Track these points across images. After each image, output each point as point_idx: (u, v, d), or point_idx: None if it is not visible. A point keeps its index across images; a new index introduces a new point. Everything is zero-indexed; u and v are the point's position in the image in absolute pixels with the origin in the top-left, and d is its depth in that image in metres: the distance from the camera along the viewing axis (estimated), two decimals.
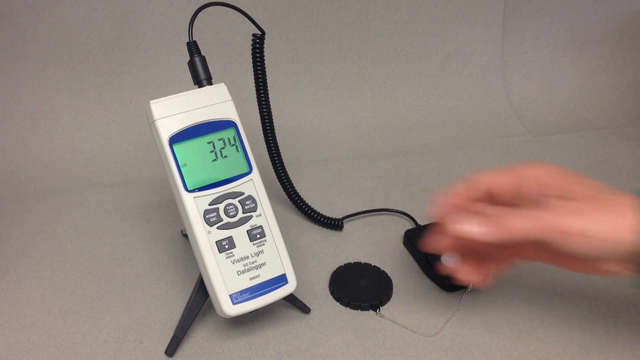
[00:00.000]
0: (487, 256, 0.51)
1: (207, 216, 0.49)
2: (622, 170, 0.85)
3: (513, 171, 0.48)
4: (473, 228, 0.45)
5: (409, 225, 0.71)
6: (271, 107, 0.63)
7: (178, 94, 0.50)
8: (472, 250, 0.50)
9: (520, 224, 0.44)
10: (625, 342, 0.53)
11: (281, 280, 0.51)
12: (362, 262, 0.63)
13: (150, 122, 0.49)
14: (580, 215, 0.43)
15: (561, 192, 0.45)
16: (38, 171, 0.83)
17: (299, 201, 0.70)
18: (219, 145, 0.50)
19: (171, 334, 0.52)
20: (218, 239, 0.49)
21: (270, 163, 0.66)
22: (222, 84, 0.52)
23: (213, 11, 0.54)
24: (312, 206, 0.71)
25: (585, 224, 0.43)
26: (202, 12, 0.52)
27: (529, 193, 0.46)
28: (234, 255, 0.49)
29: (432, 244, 0.51)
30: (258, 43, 0.59)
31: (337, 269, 0.62)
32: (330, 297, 0.59)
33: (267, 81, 0.61)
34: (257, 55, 0.59)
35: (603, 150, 0.91)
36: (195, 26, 0.52)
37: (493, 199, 0.48)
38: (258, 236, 0.50)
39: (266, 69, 0.61)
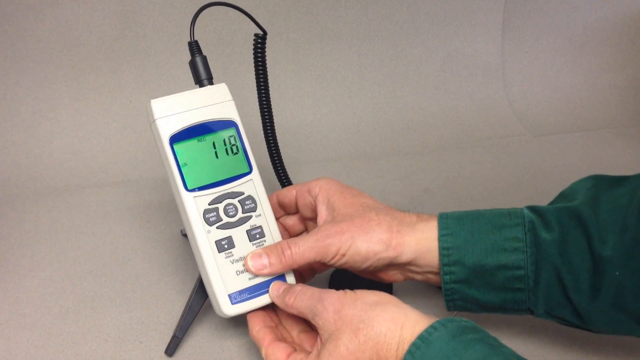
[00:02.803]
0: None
1: (206, 216, 0.49)
2: (622, 170, 0.84)
3: (297, 186, 0.54)
4: (262, 264, 0.49)
5: None
6: (272, 107, 0.63)
7: (179, 93, 0.50)
8: None
9: (301, 252, 0.47)
10: (626, 342, 0.53)
11: (280, 280, 0.50)
12: None
13: (150, 121, 0.49)
14: (349, 236, 0.47)
15: (338, 210, 0.49)
16: (38, 171, 0.83)
17: None
18: (219, 145, 0.50)
19: (171, 334, 0.52)
20: (217, 239, 0.49)
21: (270, 163, 0.66)
22: (223, 83, 0.52)
23: (214, 11, 0.54)
24: None
25: (353, 244, 0.47)
26: (202, 12, 0.52)
27: (304, 204, 0.53)
28: (233, 255, 0.49)
29: None
30: (260, 43, 0.59)
31: (337, 268, 0.62)
32: None
33: (268, 81, 0.61)
34: (259, 55, 0.59)
35: (603, 150, 0.91)
36: (196, 26, 0.52)
37: (284, 208, 0.55)
38: (257, 236, 0.50)
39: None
